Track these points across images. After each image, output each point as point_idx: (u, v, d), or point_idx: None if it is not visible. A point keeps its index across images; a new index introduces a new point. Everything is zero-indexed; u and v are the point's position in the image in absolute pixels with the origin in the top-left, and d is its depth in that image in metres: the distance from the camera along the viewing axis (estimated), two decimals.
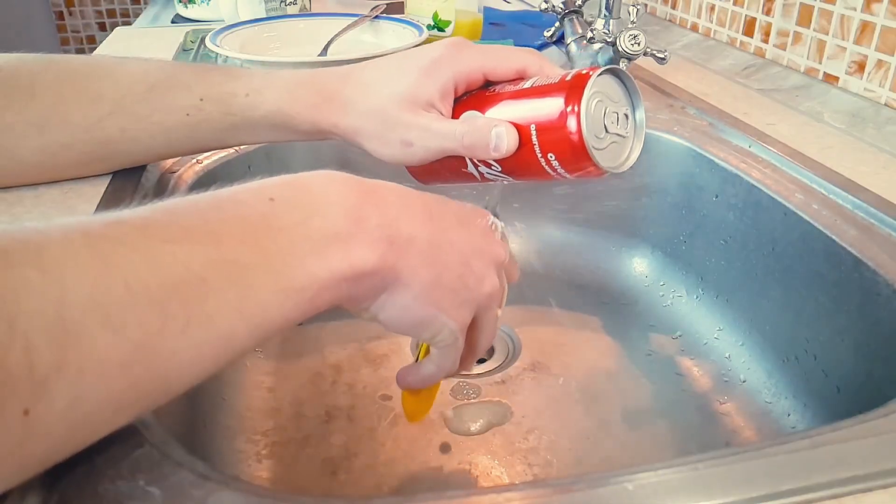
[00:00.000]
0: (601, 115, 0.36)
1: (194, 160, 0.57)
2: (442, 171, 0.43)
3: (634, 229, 0.69)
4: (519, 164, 0.38)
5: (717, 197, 0.60)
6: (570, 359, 0.59)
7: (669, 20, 0.93)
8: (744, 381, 0.55)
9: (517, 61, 0.41)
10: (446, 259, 0.34)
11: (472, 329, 0.36)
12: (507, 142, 0.38)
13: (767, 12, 0.74)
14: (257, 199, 0.30)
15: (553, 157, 0.37)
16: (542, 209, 0.72)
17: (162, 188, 0.53)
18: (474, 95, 0.41)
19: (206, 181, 0.56)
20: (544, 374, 0.57)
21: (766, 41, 0.75)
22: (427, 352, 0.39)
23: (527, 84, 0.39)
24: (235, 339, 0.27)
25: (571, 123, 0.35)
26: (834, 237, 0.47)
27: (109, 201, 0.47)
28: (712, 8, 0.84)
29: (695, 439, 0.51)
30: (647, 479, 0.28)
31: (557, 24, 0.79)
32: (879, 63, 0.61)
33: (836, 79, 0.66)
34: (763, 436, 0.51)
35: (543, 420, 0.52)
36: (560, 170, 0.37)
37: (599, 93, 0.36)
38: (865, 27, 0.62)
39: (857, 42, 0.63)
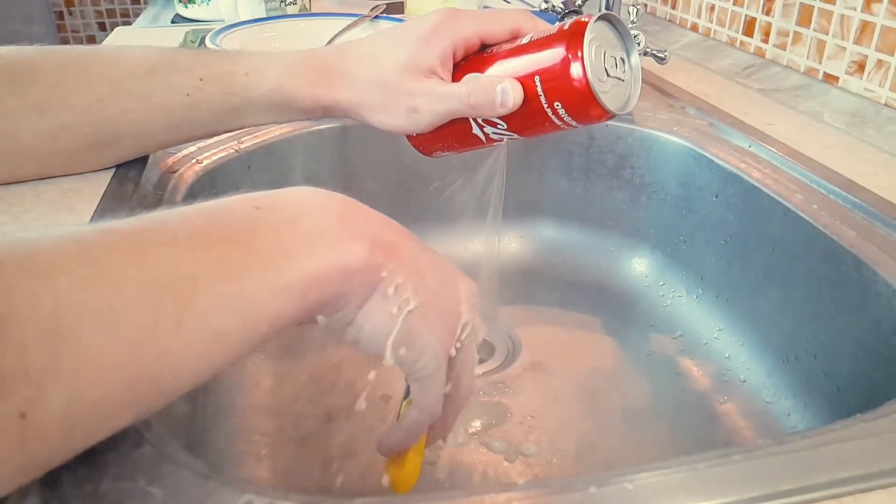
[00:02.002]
0: (601, 59, 0.37)
1: (194, 160, 0.57)
2: (446, 136, 0.43)
3: (634, 229, 0.69)
4: (525, 118, 0.39)
5: (716, 197, 0.60)
6: (570, 359, 0.59)
7: (669, 20, 0.93)
8: (744, 381, 0.55)
9: (511, 22, 0.42)
10: (427, 274, 0.33)
11: (451, 368, 0.35)
12: (513, 96, 0.38)
13: (767, 12, 0.74)
14: (243, 207, 0.30)
15: (560, 106, 0.38)
16: (541, 209, 0.72)
17: (162, 188, 0.52)
18: (472, 59, 0.42)
19: (205, 181, 0.56)
20: (544, 375, 0.57)
21: (765, 41, 0.75)
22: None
23: (524, 40, 0.40)
24: (229, 336, 0.27)
25: (576, 69, 0.36)
26: (834, 237, 0.47)
27: (109, 201, 0.47)
28: (712, 8, 0.84)
29: (694, 439, 0.51)
30: (646, 479, 0.28)
31: (557, 23, 0.79)
32: (879, 63, 0.61)
33: (836, 79, 0.66)
34: (763, 436, 0.51)
35: (543, 420, 0.52)
36: (567, 118, 0.38)
37: (598, 38, 0.37)
38: (865, 27, 0.62)
39: (857, 42, 0.63)
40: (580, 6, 0.78)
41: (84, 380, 0.23)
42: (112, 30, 1.03)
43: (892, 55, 0.60)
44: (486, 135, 0.42)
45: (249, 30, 0.86)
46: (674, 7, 0.92)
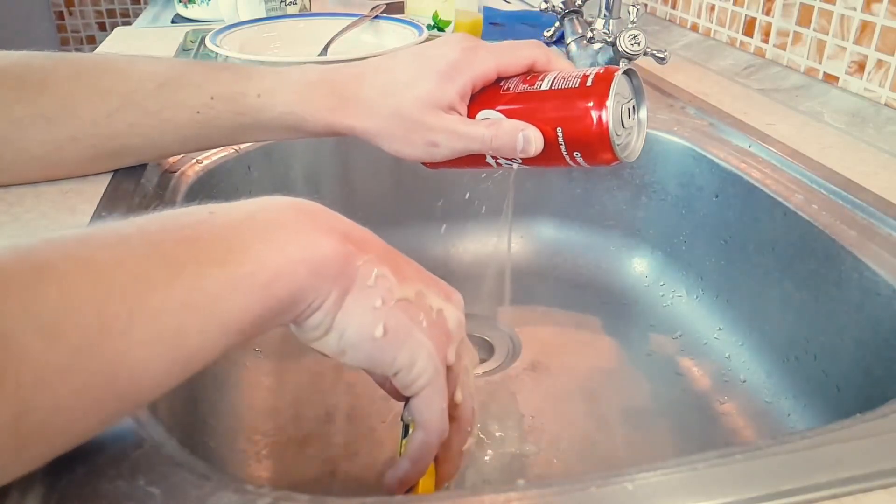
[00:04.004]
0: (619, 113, 0.39)
1: (194, 160, 0.57)
2: (459, 160, 0.44)
3: (634, 229, 0.69)
4: (542, 159, 0.41)
5: (716, 197, 0.59)
6: (570, 359, 0.59)
7: (669, 20, 0.93)
8: (744, 381, 0.55)
9: (527, 56, 0.43)
10: (407, 270, 0.32)
11: (448, 381, 0.33)
12: (535, 145, 0.40)
13: (767, 12, 0.74)
14: (197, 211, 0.29)
15: (579, 155, 0.40)
16: (542, 210, 0.72)
17: (162, 188, 0.52)
18: (488, 93, 0.43)
19: (205, 181, 0.56)
20: (544, 375, 0.57)
21: (766, 41, 0.75)
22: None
23: (543, 85, 0.41)
24: (188, 335, 0.26)
25: (600, 127, 0.38)
26: (834, 237, 0.47)
27: (109, 201, 0.47)
28: (712, 8, 0.83)
29: (695, 439, 0.51)
30: (647, 479, 0.28)
31: (557, 24, 0.79)
32: (879, 63, 0.61)
33: (836, 79, 0.66)
34: (763, 436, 0.51)
35: (543, 420, 0.52)
36: (582, 162, 0.41)
37: (619, 94, 0.39)
38: (865, 27, 0.62)
39: (857, 42, 0.63)
40: (580, 6, 0.78)
41: (29, 387, 0.22)
42: (112, 30, 1.03)
43: (892, 55, 0.60)
44: (497, 163, 0.43)
45: (249, 30, 0.85)
46: (674, 7, 0.91)
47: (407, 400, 0.33)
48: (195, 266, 0.26)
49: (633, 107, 0.42)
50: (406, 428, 0.34)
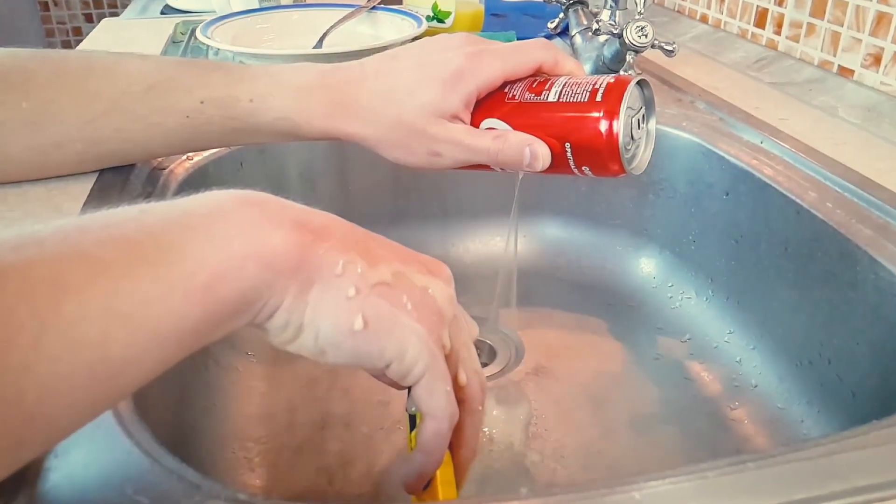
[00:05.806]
0: (629, 126, 0.39)
1: (184, 157, 0.57)
2: (462, 166, 0.44)
3: (642, 228, 0.68)
4: (549, 171, 0.41)
5: (727, 195, 0.59)
6: (575, 363, 0.58)
7: (678, 11, 0.92)
8: (755, 386, 0.54)
9: (534, 59, 0.42)
10: (378, 251, 0.30)
11: (449, 366, 0.31)
12: (542, 161, 0.39)
13: (780, 3, 0.73)
14: (126, 210, 0.26)
15: (587, 169, 0.40)
16: (545, 208, 0.72)
17: (151, 186, 0.52)
18: (493, 99, 0.42)
19: (196, 178, 0.56)
20: (548, 379, 0.56)
21: (778, 33, 0.74)
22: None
23: (551, 96, 0.40)
24: (111, 346, 0.22)
25: (610, 143, 0.38)
26: (849, 236, 0.47)
27: (96, 199, 0.47)
28: None
29: (705, 446, 0.51)
30: (655, 487, 0.27)
31: (561, 15, 0.78)
32: None
33: (852, 72, 0.65)
34: (775, 443, 0.50)
35: (547, 426, 0.52)
36: (589, 174, 0.41)
37: (630, 108, 0.39)
38: (881, 18, 0.61)
39: (872, 34, 0.62)
40: None
41: None
42: (99, 21, 1.02)
43: None
44: (502, 169, 0.43)
45: (242, 21, 0.84)
46: None
47: (409, 389, 0.31)
48: (120, 267, 0.23)
49: (643, 116, 0.41)
50: (412, 419, 0.32)
